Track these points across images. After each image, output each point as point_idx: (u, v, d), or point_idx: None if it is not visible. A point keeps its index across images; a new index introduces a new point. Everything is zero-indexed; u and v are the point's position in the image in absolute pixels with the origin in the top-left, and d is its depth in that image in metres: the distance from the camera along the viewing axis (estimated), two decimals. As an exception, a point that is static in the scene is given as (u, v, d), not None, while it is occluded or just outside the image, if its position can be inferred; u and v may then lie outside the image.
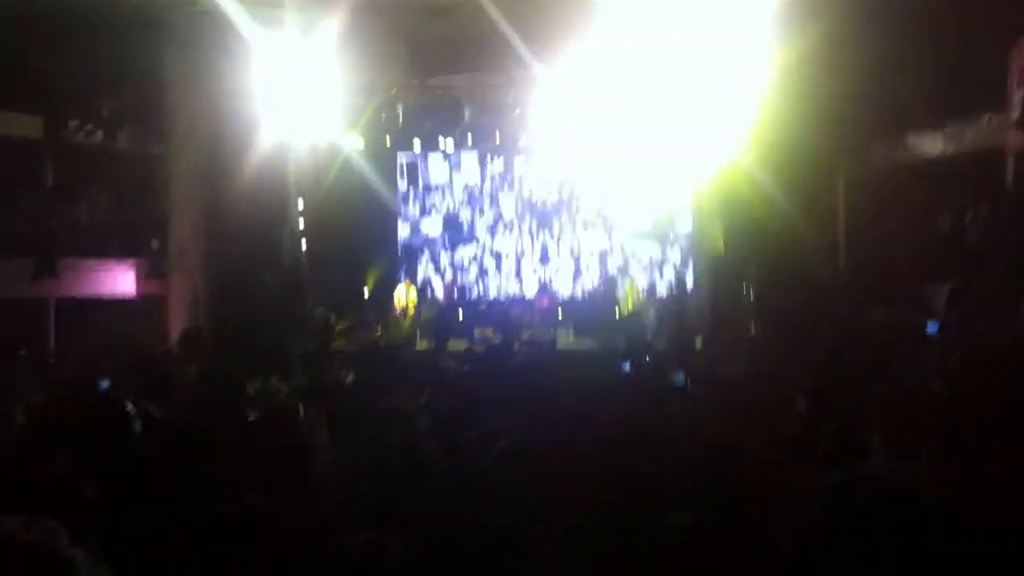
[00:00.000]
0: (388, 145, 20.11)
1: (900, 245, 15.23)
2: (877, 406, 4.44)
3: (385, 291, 20.70)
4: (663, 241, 20.45)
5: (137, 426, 4.16)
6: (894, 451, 3.69)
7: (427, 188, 21.93)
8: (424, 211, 22.03)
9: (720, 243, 17.28)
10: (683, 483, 3.32)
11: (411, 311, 19.77)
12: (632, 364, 6.84)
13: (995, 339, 5.37)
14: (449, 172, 21.90)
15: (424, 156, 21.51)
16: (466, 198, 21.96)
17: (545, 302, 20.30)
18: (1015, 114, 13.06)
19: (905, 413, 4.03)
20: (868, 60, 14.57)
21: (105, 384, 6.72)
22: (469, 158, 21.68)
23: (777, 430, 4.25)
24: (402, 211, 21.83)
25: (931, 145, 15.47)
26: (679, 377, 6.64)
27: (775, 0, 13.58)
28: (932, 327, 11.87)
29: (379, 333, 18.53)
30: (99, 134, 16.47)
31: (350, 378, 10.26)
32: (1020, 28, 13.08)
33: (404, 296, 20.06)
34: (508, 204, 21.84)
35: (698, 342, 9.71)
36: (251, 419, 5.02)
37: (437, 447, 4.27)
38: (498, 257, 21.78)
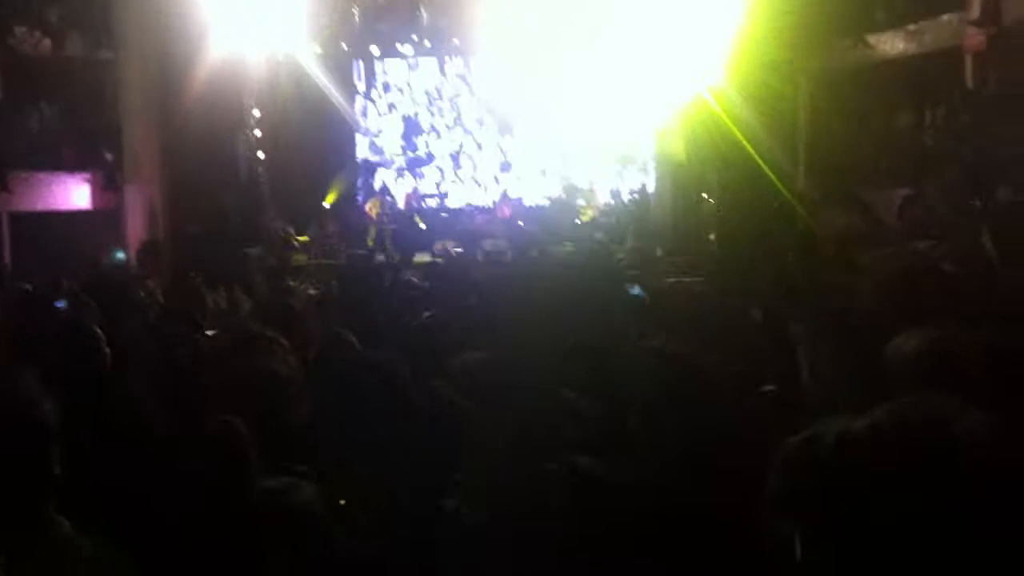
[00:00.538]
0: (345, 50, 19.72)
1: (860, 147, 15.29)
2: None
3: (347, 204, 20.56)
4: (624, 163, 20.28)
5: (106, 351, 4.12)
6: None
7: (386, 88, 21.56)
8: (382, 113, 21.70)
9: (681, 151, 17.26)
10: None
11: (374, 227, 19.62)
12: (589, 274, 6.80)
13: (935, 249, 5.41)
14: (407, 76, 21.54)
15: (381, 60, 21.11)
16: (426, 102, 21.65)
17: (507, 211, 20.16)
18: (974, 13, 13.01)
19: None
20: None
21: (61, 304, 6.65)
22: (428, 62, 21.32)
23: (734, 345, 4.28)
24: (361, 126, 21.47)
25: (891, 44, 15.40)
26: (635, 289, 6.64)
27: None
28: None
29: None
30: (47, 42, 15.98)
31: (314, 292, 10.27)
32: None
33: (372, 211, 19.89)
34: (468, 108, 21.57)
35: (658, 251, 9.75)
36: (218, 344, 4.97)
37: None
38: (456, 158, 21.57)
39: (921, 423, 1.43)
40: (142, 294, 8.51)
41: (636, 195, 19.23)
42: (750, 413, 3.33)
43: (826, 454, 1.46)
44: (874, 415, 1.46)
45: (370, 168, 21.56)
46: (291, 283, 10.72)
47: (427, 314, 5.76)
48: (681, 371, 3.03)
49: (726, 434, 2.89)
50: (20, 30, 15.82)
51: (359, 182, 21.34)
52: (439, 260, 15.56)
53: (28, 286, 8.71)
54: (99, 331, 4.20)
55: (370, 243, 19.05)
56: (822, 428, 1.51)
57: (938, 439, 1.38)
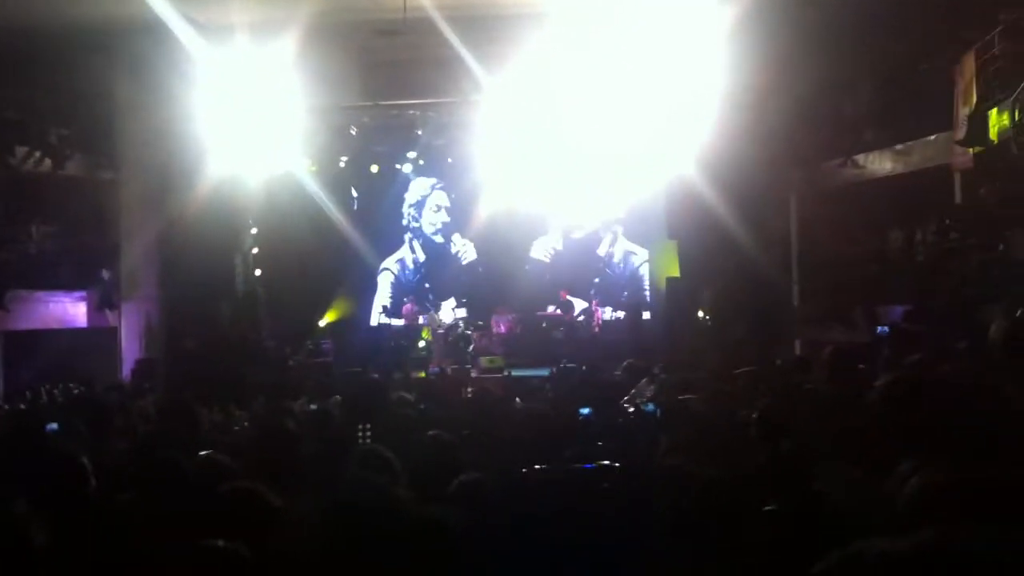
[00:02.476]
0: (343, 167, 19.92)
1: (852, 264, 15.42)
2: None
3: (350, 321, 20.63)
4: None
5: (92, 481, 4.15)
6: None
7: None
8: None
9: (674, 267, 17.42)
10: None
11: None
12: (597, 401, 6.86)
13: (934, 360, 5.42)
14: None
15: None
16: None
17: (503, 327, 20.14)
18: (960, 133, 13.26)
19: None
20: (817, 81, 14.80)
21: (53, 427, 6.61)
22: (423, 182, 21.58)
23: (733, 459, 4.28)
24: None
25: (879, 164, 15.68)
26: (649, 406, 6.72)
27: (726, 21, 13.68)
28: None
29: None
30: (47, 162, 16.20)
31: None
32: (963, 49, 13.30)
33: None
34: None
35: (655, 368, 9.80)
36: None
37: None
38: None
39: (965, 548, 1.48)
40: (133, 414, 8.46)
41: (630, 312, 19.25)
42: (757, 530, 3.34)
43: (869, 573, 1.49)
44: (918, 537, 1.51)
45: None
46: (289, 403, 10.61)
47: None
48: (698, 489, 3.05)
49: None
50: (21, 150, 16.05)
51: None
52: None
53: (21, 407, 8.67)
54: (85, 463, 4.21)
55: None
56: (862, 547, 1.55)
57: (984, 564, 1.45)
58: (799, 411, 5.20)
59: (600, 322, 20.18)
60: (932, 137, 14.51)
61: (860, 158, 15.76)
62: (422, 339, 19.60)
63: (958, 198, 13.87)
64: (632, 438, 5.58)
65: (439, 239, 21.86)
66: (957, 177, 13.86)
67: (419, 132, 19.12)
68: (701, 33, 14.23)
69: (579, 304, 20.54)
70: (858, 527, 2.82)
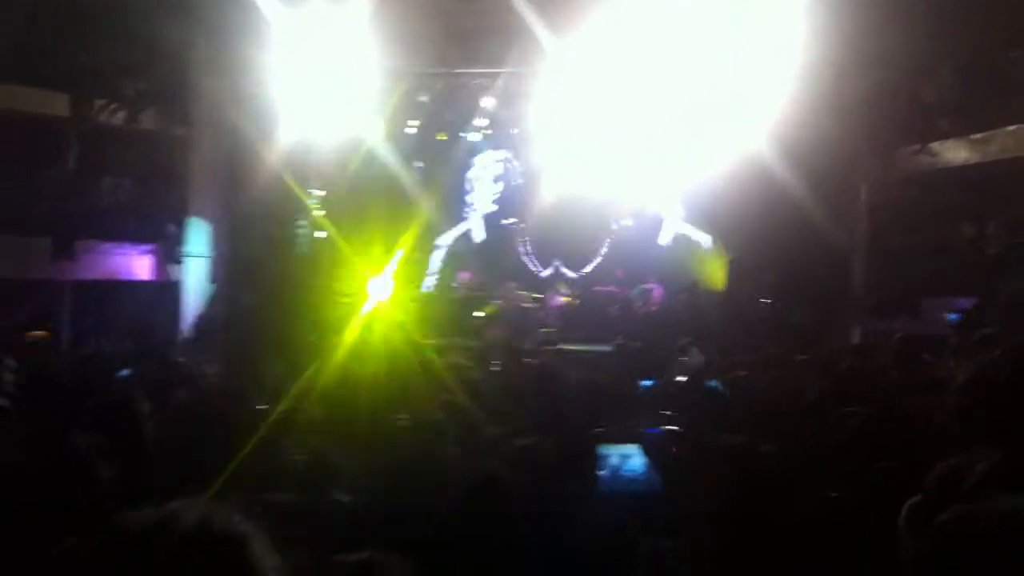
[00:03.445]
0: (412, 134, 19.95)
1: (920, 254, 15.15)
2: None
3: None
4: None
5: (150, 427, 4.25)
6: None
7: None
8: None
9: (738, 249, 17.20)
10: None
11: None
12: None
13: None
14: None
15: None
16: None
17: (559, 300, 20.09)
18: (1041, 125, 12.96)
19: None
20: (897, 62, 14.48)
21: (126, 373, 6.78)
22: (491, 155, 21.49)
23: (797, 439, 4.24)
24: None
25: (954, 153, 15.36)
26: (713, 382, 6.72)
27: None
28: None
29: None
30: (122, 114, 16.45)
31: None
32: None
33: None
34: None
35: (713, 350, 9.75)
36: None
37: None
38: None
39: None
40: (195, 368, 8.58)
41: (687, 292, 19.05)
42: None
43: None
44: None
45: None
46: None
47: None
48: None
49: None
50: (98, 102, 16.30)
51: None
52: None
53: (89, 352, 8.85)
54: (143, 410, 4.32)
55: None
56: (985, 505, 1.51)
57: None
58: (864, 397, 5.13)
59: (657, 302, 20.03)
60: (1011, 128, 14.18)
61: (935, 146, 15.44)
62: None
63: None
64: (694, 411, 5.56)
65: (501, 215, 21.75)
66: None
67: (488, 102, 19.06)
68: (776, 9, 13.98)
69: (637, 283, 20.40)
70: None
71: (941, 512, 1.53)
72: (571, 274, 21.10)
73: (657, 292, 20.05)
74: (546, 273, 21.30)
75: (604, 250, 21.11)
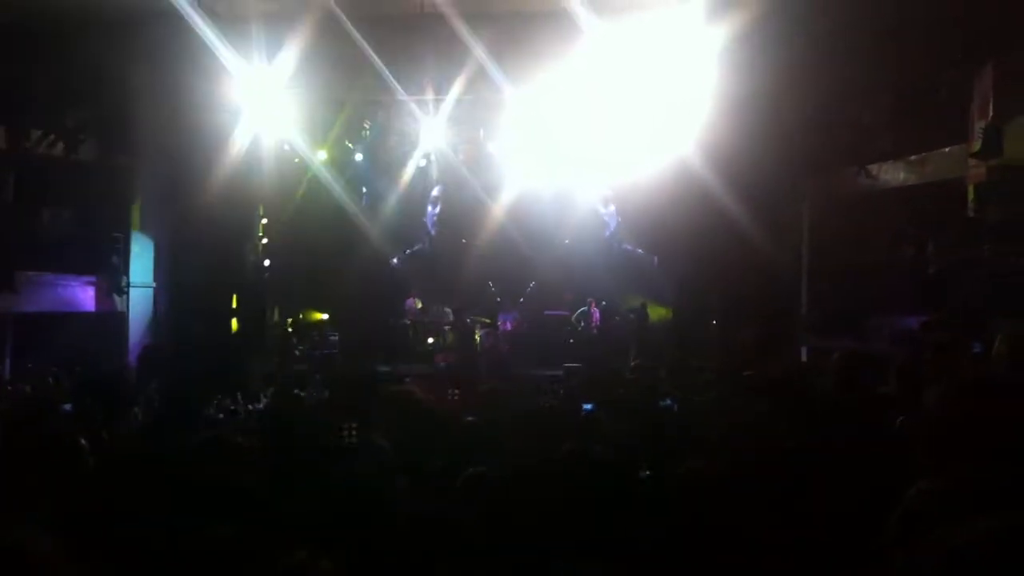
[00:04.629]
0: (359, 159, 19.91)
1: (862, 273, 15.39)
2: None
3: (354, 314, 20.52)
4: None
5: (89, 461, 4.19)
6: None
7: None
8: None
9: (684, 272, 17.35)
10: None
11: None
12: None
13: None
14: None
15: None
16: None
17: (508, 325, 20.12)
18: (976, 145, 13.22)
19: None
20: (832, 88, 14.75)
21: (68, 408, 6.66)
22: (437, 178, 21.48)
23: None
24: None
25: (893, 174, 15.64)
26: (667, 400, 6.82)
27: (739, 26, 13.62)
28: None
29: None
30: (61, 145, 16.23)
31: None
32: (981, 60, 13.26)
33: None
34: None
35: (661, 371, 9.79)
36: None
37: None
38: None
39: None
40: (138, 399, 8.47)
41: (635, 313, 19.19)
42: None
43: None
44: None
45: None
46: (298, 392, 10.65)
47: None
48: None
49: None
50: (36, 133, 16.08)
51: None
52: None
53: (28, 388, 8.70)
54: (83, 444, 4.26)
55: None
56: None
57: None
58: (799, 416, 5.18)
59: (598, 322, 20.13)
60: (947, 149, 14.47)
61: (874, 168, 15.73)
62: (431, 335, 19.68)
63: (971, 211, 13.82)
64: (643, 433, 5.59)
65: (450, 236, 21.73)
66: (971, 190, 13.82)
67: (433, 127, 19.09)
68: (712, 39, 14.17)
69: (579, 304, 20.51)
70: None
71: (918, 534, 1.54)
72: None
73: (596, 314, 20.16)
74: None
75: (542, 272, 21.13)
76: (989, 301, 11.48)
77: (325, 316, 20.52)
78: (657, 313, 18.90)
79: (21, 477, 3.98)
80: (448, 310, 20.37)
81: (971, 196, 13.77)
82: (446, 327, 19.92)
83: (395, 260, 21.43)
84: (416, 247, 21.59)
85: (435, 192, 21.18)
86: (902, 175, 15.52)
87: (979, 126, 13.24)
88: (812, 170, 16.29)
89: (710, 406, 6.08)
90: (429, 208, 21.29)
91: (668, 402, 6.86)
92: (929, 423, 2.74)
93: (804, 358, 14.83)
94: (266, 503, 3.76)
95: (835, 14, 13.50)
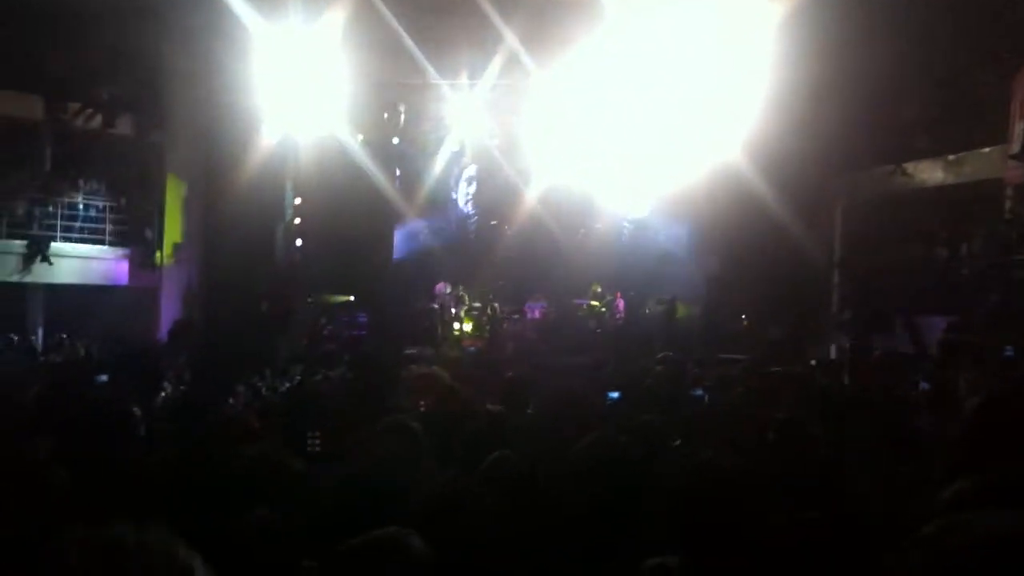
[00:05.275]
0: (395, 143, 19.89)
1: (894, 272, 15.24)
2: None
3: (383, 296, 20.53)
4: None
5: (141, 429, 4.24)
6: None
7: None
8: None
9: (714, 267, 17.26)
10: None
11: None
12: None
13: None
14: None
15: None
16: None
17: (536, 313, 20.09)
18: (1015, 146, 13.07)
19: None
20: (870, 85, 14.58)
21: (103, 379, 6.72)
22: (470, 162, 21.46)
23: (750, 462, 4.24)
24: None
25: (929, 174, 15.48)
26: (698, 391, 6.84)
27: (779, 13, 13.48)
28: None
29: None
30: (98, 119, 16.35)
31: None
32: (1021, 60, 13.09)
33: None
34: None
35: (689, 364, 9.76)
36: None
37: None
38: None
39: None
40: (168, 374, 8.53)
41: (664, 305, 19.07)
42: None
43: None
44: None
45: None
46: (327, 372, 10.67)
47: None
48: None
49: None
50: (73, 106, 16.21)
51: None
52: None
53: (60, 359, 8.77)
54: (136, 412, 4.29)
55: None
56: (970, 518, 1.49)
57: None
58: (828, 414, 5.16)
59: (622, 313, 20.03)
60: (986, 149, 14.31)
61: (910, 166, 15.56)
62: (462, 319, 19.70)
63: (1008, 213, 13.66)
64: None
65: (481, 221, 21.71)
66: (1009, 192, 13.67)
67: (468, 112, 19.06)
68: (755, 23, 14.05)
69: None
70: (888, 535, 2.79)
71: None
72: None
73: (620, 304, 20.07)
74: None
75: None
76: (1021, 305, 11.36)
77: (351, 298, 20.51)
78: (684, 310, 18.77)
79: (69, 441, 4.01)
80: (476, 296, 20.36)
81: (1008, 197, 13.63)
82: (474, 312, 19.91)
83: (421, 237, 21.42)
84: (442, 229, 21.60)
85: (471, 171, 21.17)
86: (939, 175, 15.35)
87: (1019, 127, 13.09)
88: (849, 167, 16.14)
89: (738, 399, 6.04)
90: (464, 185, 21.29)
91: (699, 392, 6.85)
92: (968, 424, 2.72)
93: (833, 356, 14.72)
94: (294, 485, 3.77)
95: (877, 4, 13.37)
